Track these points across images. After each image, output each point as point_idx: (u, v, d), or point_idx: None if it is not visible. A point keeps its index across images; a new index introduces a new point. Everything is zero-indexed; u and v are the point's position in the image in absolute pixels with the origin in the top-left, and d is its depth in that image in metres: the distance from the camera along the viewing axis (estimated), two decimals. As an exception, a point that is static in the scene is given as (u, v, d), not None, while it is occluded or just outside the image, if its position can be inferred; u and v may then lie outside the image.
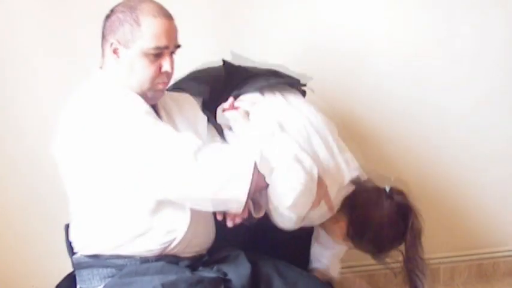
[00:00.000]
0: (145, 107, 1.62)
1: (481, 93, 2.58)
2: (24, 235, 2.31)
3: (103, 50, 1.69)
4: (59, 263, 1.82)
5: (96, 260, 1.64)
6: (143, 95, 1.66)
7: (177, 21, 1.69)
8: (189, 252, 1.69)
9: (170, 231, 1.63)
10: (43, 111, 2.24)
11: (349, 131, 2.46)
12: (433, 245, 2.69)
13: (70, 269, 1.77)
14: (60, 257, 1.82)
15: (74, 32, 2.21)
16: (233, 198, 1.56)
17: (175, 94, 1.87)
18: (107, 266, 1.63)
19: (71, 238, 1.74)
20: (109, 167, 1.57)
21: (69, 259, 1.75)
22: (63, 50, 2.21)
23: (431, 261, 2.67)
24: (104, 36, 1.68)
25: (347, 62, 2.44)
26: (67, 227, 1.77)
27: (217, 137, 1.84)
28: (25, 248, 2.32)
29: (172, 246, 1.64)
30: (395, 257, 2.57)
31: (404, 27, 2.46)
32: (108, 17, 1.68)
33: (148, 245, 1.63)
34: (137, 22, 1.62)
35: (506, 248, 2.77)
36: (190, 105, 1.86)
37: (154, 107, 1.71)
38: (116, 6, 1.68)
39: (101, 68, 1.71)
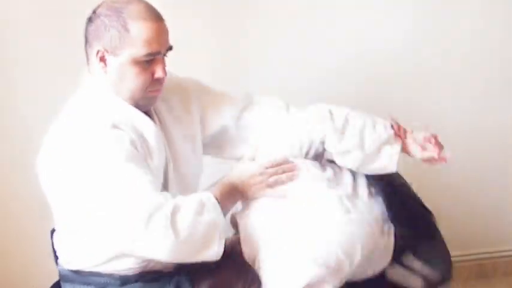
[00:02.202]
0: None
1: (481, 93, 2.58)
2: (24, 235, 2.29)
3: (88, 55, 1.55)
4: (50, 267, 1.78)
5: (78, 276, 1.58)
6: (135, 104, 1.55)
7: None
8: (171, 266, 1.59)
9: None
10: (44, 112, 2.23)
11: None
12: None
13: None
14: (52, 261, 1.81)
15: (74, 33, 2.20)
16: (208, 259, 1.47)
17: (168, 86, 1.67)
18: (88, 283, 1.56)
19: (55, 247, 1.68)
20: (77, 202, 1.48)
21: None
22: (60, 49, 2.19)
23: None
24: (87, 42, 1.54)
25: (346, 62, 2.45)
26: (52, 233, 1.70)
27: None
28: (25, 249, 2.31)
29: (152, 264, 1.56)
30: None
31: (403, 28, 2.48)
32: (90, 20, 1.53)
33: (127, 264, 1.54)
34: (125, 27, 1.47)
35: (506, 248, 2.76)
36: (179, 101, 1.71)
37: (147, 113, 1.60)
38: (99, 7, 1.53)
39: (88, 72, 1.58)
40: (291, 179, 1.62)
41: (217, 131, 1.76)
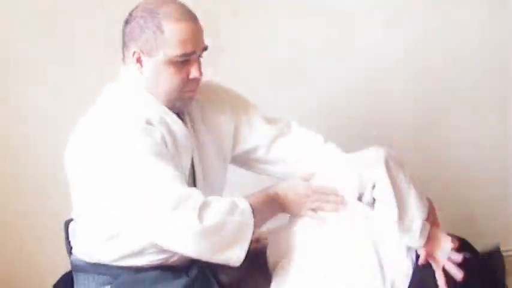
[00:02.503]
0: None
1: (481, 92, 2.60)
2: (24, 235, 2.32)
3: (124, 56, 1.59)
4: (59, 263, 1.81)
5: (93, 267, 1.61)
6: (171, 105, 1.59)
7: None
8: (189, 261, 1.62)
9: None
10: (46, 112, 2.25)
11: (348, 131, 2.50)
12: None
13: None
14: (60, 257, 1.82)
15: (74, 34, 2.23)
16: (229, 261, 1.49)
17: (206, 93, 1.72)
18: (104, 274, 1.59)
19: (70, 238, 1.70)
20: (105, 193, 1.50)
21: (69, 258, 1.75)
22: (63, 51, 2.23)
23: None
24: (124, 43, 1.58)
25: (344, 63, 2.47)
26: (67, 224, 1.73)
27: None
28: (25, 248, 2.33)
29: (172, 259, 1.60)
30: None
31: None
32: (127, 22, 1.57)
33: (146, 260, 1.58)
34: (160, 29, 1.51)
35: (507, 248, 2.78)
36: (213, 109, 1.73)
37: (180, 115, 1.63)
38: (135, 10, 1.57)
39: (124, 72, 1.62)
40: (333, 210, 1.62)
41: (248, 149, 1.79)
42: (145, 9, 1.54)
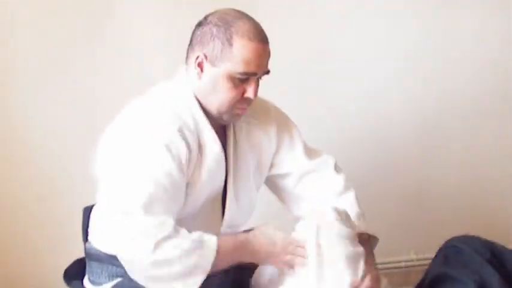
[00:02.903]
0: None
1: (481, 93, 2.59)
2: (24, 235, 2.29)
3: (188, 57, 1.59)
4: (58, 262, 1.79)
5: (108, 257, 1.59)
6: (219, 117, 1.58)
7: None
8: None
9: None
10: (45, 111, 2.25)
11: (348, 132, 2.49)
12: (433, 245, 2.70)
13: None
14: (60, 256, 1.81)
15: (74, 35, 2.24)
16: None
17: (254, 108, 1.68)
18: (117, 265, 1.56)
19: (90, 225, 1.70)
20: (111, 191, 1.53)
21: (71, 259, 1.75)
22: (63, 51, 2.23)
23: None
24: (191, 44, 1.58)
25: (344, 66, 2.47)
26: (86, 210, 1.73)
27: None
28: (24, 248, 2.30)
29: None
30: (396, 257, 2.62)
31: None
32: (200, 25, 1.57)
33: None
34: (229, 42, 1.50)
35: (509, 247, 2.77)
36: (260, 128, 1.72)
37: (224, 127, 1.64)
38: (212, 15, 1.56)
39: (185, 70, 1.61)
40: (302, 265, 1.57)
41: (281, 174, 1.77)
42: (221, 18, 1.54)
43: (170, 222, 1.44)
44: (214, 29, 1.52)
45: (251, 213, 1.76)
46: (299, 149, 1.76)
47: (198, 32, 1.56)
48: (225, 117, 1.58)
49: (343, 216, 1.60)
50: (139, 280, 1.48)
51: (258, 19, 1.56)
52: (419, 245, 2.65)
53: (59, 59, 2.22)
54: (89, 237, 1.68)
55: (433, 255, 2.66)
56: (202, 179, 1.58)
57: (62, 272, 1.72)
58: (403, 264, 2.65)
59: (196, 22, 1.58)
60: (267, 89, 1.66)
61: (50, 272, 1.87)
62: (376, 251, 2.56)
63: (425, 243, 2.65)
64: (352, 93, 2.49)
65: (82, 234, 1.72)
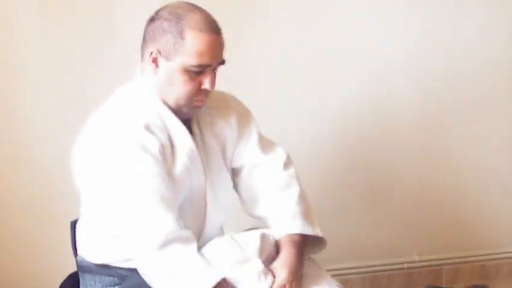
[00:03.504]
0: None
1: (481, 94, 2.58)
2: (24, 236, 2.28)
3: (142, 54, 1.58)
4: (58, 264, 1.80)
5: (100, 268, 1.60)
6: (179, 110, 1.57)
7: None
8: None
9: None
10: (45, 111, 2.24)
11: (350, 131, 2.48)
12: (436, 246, 2.70)
13: (70, 271, 1.75)
14: (60, 258, 1.82)
15: (76, 36, 2.22)
16: None
17: (215, 100, 1.68)
18: (110, 275, 1.58)
19: (77, 239, 1.70)
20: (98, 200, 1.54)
21: (71, 259, 1.73)
22: (61, 50, 2.21)
23: (433, 263, 2.68)
24: (144, 40, 1.57)
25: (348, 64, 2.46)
26: (73, 224, 1.72)
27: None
28: (24, 250, 2.29)
29: None
30: (398, 259, 2.61)
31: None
32: (152, 20, 1.55)
33: None
34: (181, 35, 1.49)
35: (509, 249, 2.77)
36: (221, 118, 1.70)
37: (189, 121, 1.62)
38: (163, 10, 1.55)
39: (141, 70, 1.60)
40: None
41: (236, 167, 1.75)
42: (172, 12, 1.53)
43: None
44: (166, 24, 1.51)
45: (231, 206, 1.74)
46: (254, 140, 1.74)
47: (150, 28, 1.54)
48: (184, 110, 1.57)
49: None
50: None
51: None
52: (422, 246, 2.64)
53: (61, 59, 2.21)
54: (79, 251, 1.68)
55: (435, 256, 2.70)
56: (179, 174, 1.55)
57: (63, 272, 1.73)
58: (405, 265, 2.64)
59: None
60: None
61: (51, 272, 1.86)
62: (379, 252, 2.58)
63: (428, 245, 2.65)
64: (354, 93, 2.48)
65: (72, 248, 1.71)
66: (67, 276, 1.74)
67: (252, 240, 1.59)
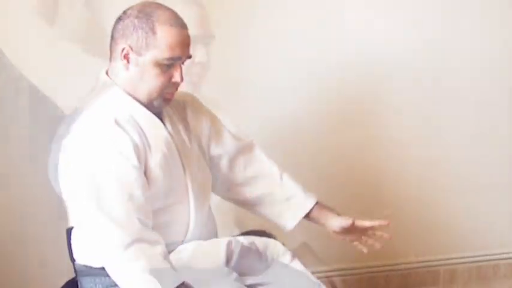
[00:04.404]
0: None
1: (482, 95, 2.58)
2: (24, 240, 2.29)
3: (112, 52, 1.64)
4: (58, 268, 1.80)
5: (99, 270, 1.61)
6: (149, 104, 1.63)
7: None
8: None
9: (170, 244, 1.61)
10: (44, 111, 2.24)
11: (353, 131, 2.48)
12: (433, 247, 2.70)
13: (70, 274, 1.75)
14: (60, 262, 1.81)
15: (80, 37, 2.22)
16: None
17: (181, 95, 1.78)
18: (108, 275, 1.57)
19: (72, 244, 1.72)
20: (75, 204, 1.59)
21: (70, 264, 1.73)
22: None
23: (431, 264, 2.68)
24: (113, 39, 1.63)
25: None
26: (69, 231, 1.74)
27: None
28: (24, 253, 2.29)
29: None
30: (395, 260, 2.61)
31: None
32: (120, 19, 1.62)
33: None
34: (153, 30, 1.57)
35: (506, 250, 2.77)
36: (191, 112, 1.79)
37: (159, 115, 1.67)
38: (131, 9, 1.62)
39: (106, 72, 1.66)
40: None
41: (215, 156, 1.83)
42: (141, 11, 1.60)
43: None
44: (136, 21, 1.58)
45: (209, 189, 1.80)
46: (226, 133, 1.85)
47: (120, 26, 1.61)
48: (155, 103, 1.63)
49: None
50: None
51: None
52: (419, 247, 2.64)
53: (69, 60, 2.22)
54: (76, 257, 1.70)
55: (432, 257, 2.70)
56: (159, 165, 1.60)
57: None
58: (402, 266, 2.64)
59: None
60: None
61: (54, 273, 1.86)
62: (376, 253, 2.57)
63: (425, 245, 2.65)
64: (354, 94, 2.48)
65: (69, 255, 1.72)
66: (65, 283, 1.75)
67: (217, 248, 1.65)
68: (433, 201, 2.61)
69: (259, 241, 1.72)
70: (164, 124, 1.67)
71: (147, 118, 1.63)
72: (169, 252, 1.59)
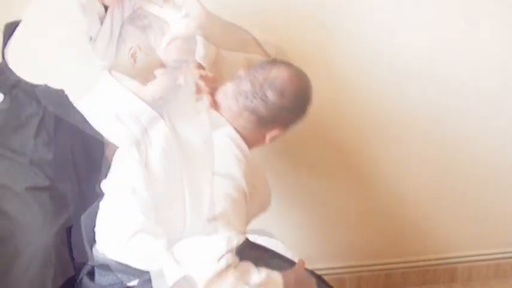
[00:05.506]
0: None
1: (484, 96, 2.56)
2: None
3: (118, 49, 1.66)
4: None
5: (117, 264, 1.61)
6: (152, 103, 1.65)
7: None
8: None
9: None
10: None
11: (361, 127, 2.47)
12: (451, 244, 2.69)
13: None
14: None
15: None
16: None
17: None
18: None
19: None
20: None
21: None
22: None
23: (448, 261, 2.67)
24: (121, 37, 1.66)
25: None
26: (69, 231, 1.72)
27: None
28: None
29: None
30: (413, 257, 2.61)
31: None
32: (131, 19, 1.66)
33: None
34: (162, 31, 1.60)
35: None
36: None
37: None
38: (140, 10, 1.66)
39: (109, 71, 1.65)
40: None
41: None
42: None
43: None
44: (146, 21, 1.61)
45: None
46: None
47: (129, 26, 1.64)
48: (159, 102, 1.65)
49: None
50: None
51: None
52: (437, 244, 2.64)
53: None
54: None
55: (433, 256, 2.68)
56: (159, 159, 1.61)
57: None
58: (419, 263, 2.64)
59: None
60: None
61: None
62: (377, 252, 2.57)
63: (442, 242, 2.64)
64: (355, 94, 2.46)
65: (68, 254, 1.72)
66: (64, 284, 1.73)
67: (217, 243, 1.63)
68: (451, 198, 2.60)
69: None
70: (164, 120, 1.68)
71: (149, 115, 1.63)
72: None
